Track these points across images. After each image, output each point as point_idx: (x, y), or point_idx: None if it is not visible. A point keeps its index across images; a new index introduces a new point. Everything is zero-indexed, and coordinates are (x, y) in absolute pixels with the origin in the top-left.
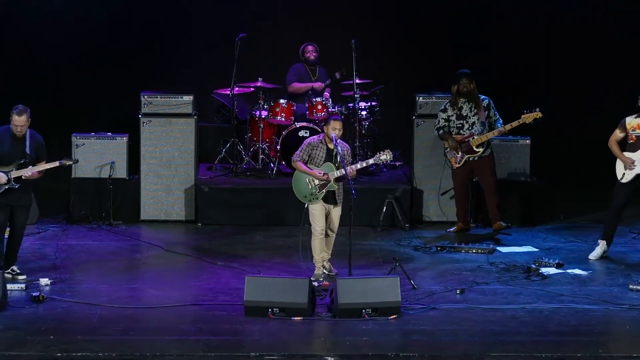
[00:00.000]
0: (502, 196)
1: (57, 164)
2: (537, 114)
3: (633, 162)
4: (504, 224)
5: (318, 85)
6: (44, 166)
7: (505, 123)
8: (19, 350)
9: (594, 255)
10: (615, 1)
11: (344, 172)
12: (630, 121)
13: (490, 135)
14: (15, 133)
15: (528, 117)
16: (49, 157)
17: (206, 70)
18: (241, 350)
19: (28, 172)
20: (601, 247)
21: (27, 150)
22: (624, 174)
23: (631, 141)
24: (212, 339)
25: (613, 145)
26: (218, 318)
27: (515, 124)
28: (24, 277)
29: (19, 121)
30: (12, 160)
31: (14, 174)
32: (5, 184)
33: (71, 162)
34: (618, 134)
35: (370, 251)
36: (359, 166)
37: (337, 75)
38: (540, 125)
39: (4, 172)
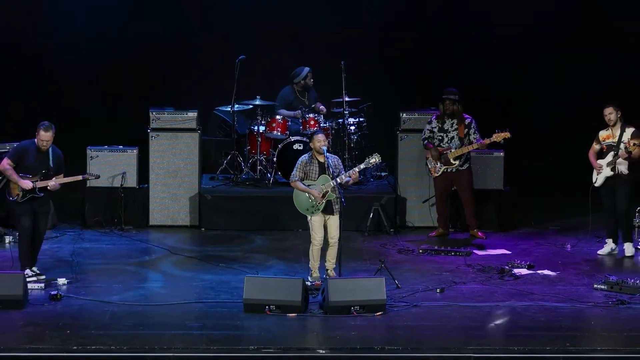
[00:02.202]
0: (478, 205)
1: (79, 177)
2: (507, 134)
3: (601, 167)
4: (481, 235)
5: (298, 113)
6: (68, 179)
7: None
8: (39, 344)
9: (603, 251)
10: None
11: (339, 180)
12: (602, 133)
13: (466, 150)
14: (40, 147)
15: (499, 136)
16: (67, 168)
17: (209, 89)
18: (241, 344)
19: (53, 182)
20: (608, 245)
21: (51, 163)
22: (596, 178)
23: (604, 150)
24: (214, 334)
25: (591, 156)
26: (219, 314)
27: (487, 141)
28: (43, 277)
29: (46, 136)
30: (37, 172)
31: (39, 184)
32: (30, 192)
33: (92, 177)
34: (594, 146)
35: (359, 254)
36: (357, 169)
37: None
38: (514, 140)
39: (31, 181)
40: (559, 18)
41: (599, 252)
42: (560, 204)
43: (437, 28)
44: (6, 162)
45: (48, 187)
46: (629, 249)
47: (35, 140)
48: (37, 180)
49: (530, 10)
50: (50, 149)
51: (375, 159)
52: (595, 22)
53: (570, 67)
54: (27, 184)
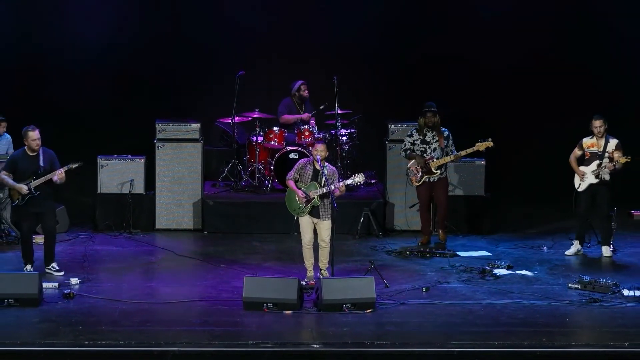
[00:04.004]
0: (461, 210)
1: (66, 168)
2: (489, 143)
3: (584, 174)
4: (444, 237)
5: (306, 116)
6: (58, 171)
7: (461, 149)
8: (53, 339)
9: (570, 252)
10: (555, 43)
11: (325, 190)
12: (586, 141)
13: (448, 159)
14: (33, 148)
15: (481, 146)
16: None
17: (211, 102)
18: (240, 339)
19: (55, 177)
20: (575, 246)
21: (41, 163)
22: (580, 184)
23: (587, 157)
24: (215, 330)
25: (572, 161)
26: (221, 312)
27: (469, 150)
28: (61, 273)
29: (35, 135)
30: (30, 173)
31: (34, 183)
32: (27, 194)
33: (76, 165)
34: (577, 152)
35: (350, 255)
36: (342, 184)
37: (322, 106)
38: (494, 149)
39: (25, 184)
40: (545, 26)
41: (566, 252)
42: (537, 209)
43: (427, 41)
44: (3, 174)
45: (54, 181)
46: (606, 251)
47: (25, 147)
48: (30, 181)
49: (517, 21)
50: (40, 151)
51: (359, 178)
52: (582, 27)
53: (555, 78)
54: (21, 188)
